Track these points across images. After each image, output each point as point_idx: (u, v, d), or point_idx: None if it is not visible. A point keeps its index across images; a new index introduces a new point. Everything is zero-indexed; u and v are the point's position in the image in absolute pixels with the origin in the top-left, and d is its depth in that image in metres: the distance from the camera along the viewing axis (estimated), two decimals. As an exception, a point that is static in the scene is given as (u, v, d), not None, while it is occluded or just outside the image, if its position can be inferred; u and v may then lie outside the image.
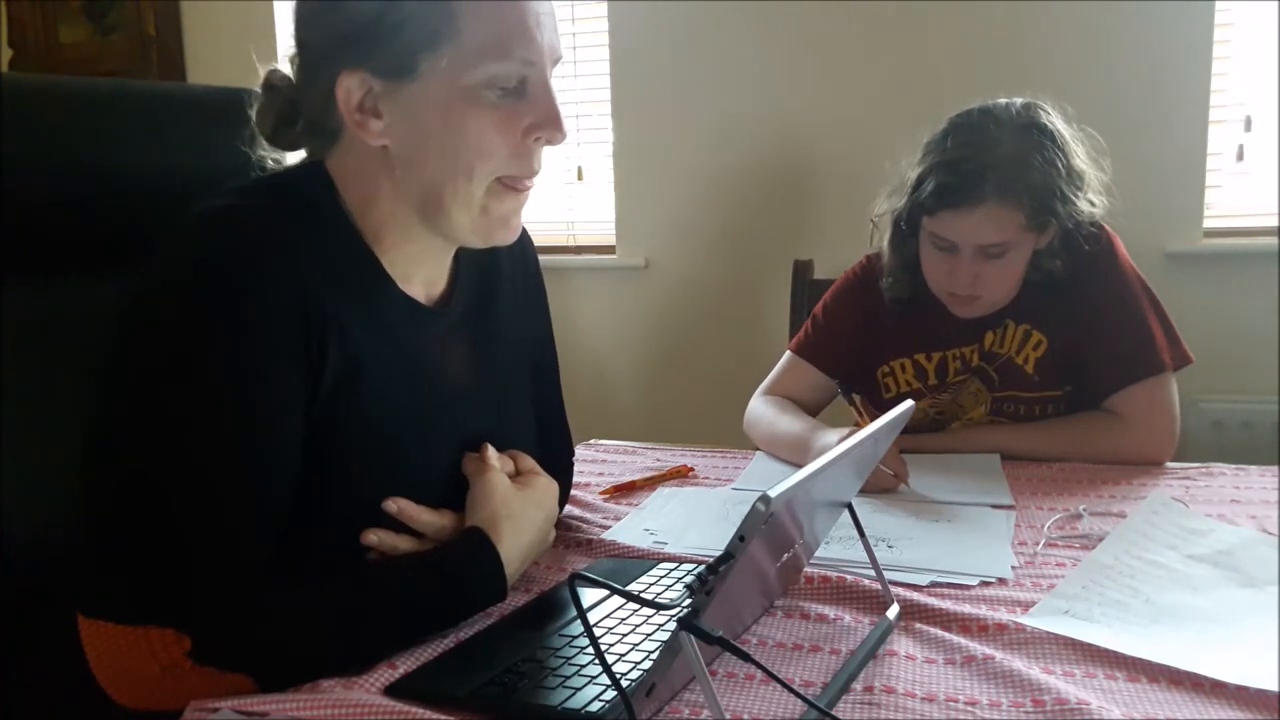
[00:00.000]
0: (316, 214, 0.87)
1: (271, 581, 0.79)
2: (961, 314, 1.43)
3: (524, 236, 1.12)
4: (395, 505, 0.86)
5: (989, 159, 1.30)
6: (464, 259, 1.00)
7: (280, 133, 0.93)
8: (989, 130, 1.33)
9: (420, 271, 0.94)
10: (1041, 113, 1.35)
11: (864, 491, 1.22)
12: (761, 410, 1.51)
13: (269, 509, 0.80)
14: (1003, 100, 1.37)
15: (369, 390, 0.86)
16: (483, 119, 0.84)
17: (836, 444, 1.22)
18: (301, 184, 0.89)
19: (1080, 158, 1.35)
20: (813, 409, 1.53)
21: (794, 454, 1.34)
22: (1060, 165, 1.31)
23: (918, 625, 0.85)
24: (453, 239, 0.92)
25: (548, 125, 0.87)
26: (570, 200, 3.03)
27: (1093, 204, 1.36)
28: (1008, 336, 1.44)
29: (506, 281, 1.06)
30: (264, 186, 0.89)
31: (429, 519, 0.89)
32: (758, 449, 1.50)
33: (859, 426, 1.29)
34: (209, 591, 0.76)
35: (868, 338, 1.50)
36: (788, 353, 1.58)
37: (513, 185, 0.89)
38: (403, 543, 0.87)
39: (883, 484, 1.23)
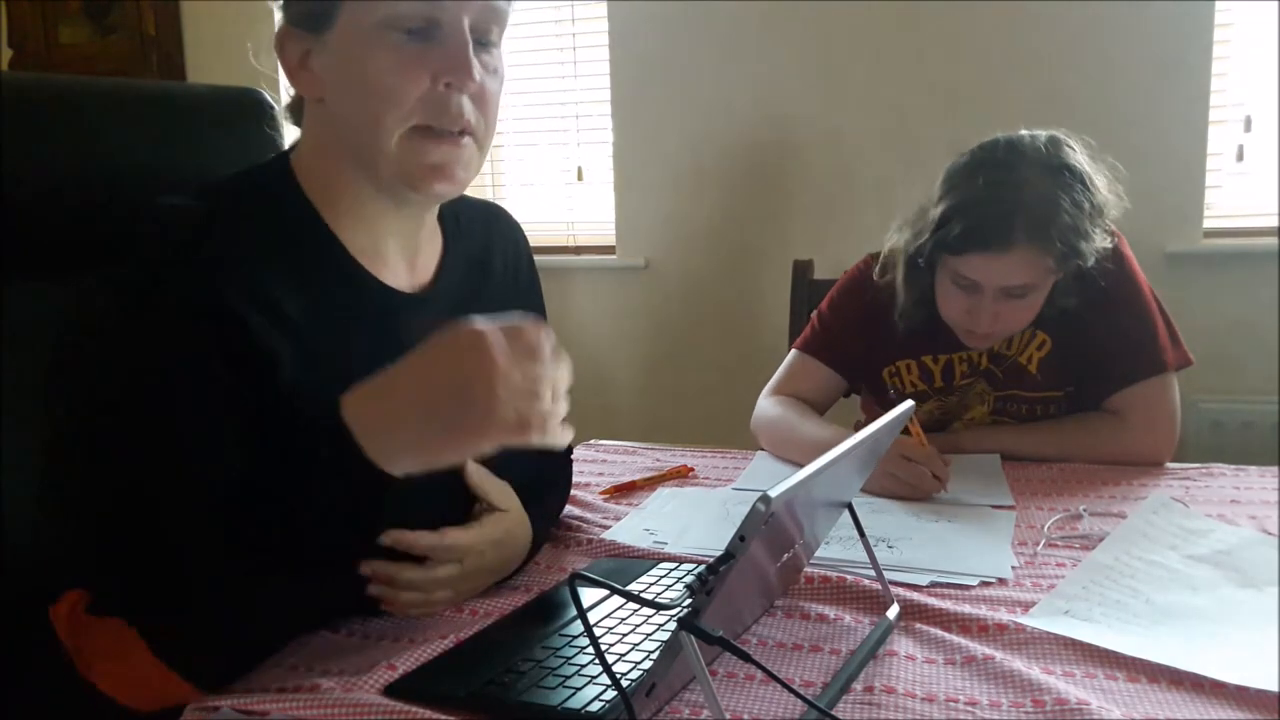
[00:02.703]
0: (277, 209, 0.87)
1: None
2: (975, 346, 1.42)
3: (516, 232, 1.11)
4: (389, 538, 0.83)
5: (1020, 201, 1.26)
6: (453, 250, 1.00)
7: (295, 107, 0.95)
8: (1020, 170, 1.29)
9: (392, 242, 0.92)
10: (1068, 150, 1.32)
11: (904, 497, 1.21)
12: (776, 412, 1.49)
13: (213, 509, 0.77)
14: (1026, 134, 1.33)
15: (342, 387, 0.83)
16: (385, 61, 0.82)
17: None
18: (264, 181, 0.89)
19: (1102, 192, 1.32)
20: (821, 408, 1.52)
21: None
22: (1087, 206, 1.29)
23: (918, 625, 0.84)
24: (391, 193, 0.89)
25: (454, 70, 0.83)
26: (570, 200, 3.04)
27: (1108, 233, 1.35)
28: (1015, 338, 1.43)
29: (497, 276, 1.05)
30: (225, 186, 0.88)
31: (429, 542, 0.86)
32: (759, 449, 1.49)
33: (909, 434, 1.29)
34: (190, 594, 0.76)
35: (874, 335, 1.49)
36: (793, 351, 1.57)
37: (436, 134, 0.85)
38: (405, 571, 0.85)
39: (926, 487, 1.21)
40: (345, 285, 0.88)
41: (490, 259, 1.05)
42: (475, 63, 0.84)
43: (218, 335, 0.78)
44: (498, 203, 1.15)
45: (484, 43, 0.87)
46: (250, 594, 0.78)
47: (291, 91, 0.93)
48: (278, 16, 0.89)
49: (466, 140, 0.87)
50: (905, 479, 1.21)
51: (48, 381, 0.81)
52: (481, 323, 0.73)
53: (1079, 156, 1.32)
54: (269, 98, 1.08)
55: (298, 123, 0.94)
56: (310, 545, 0.78)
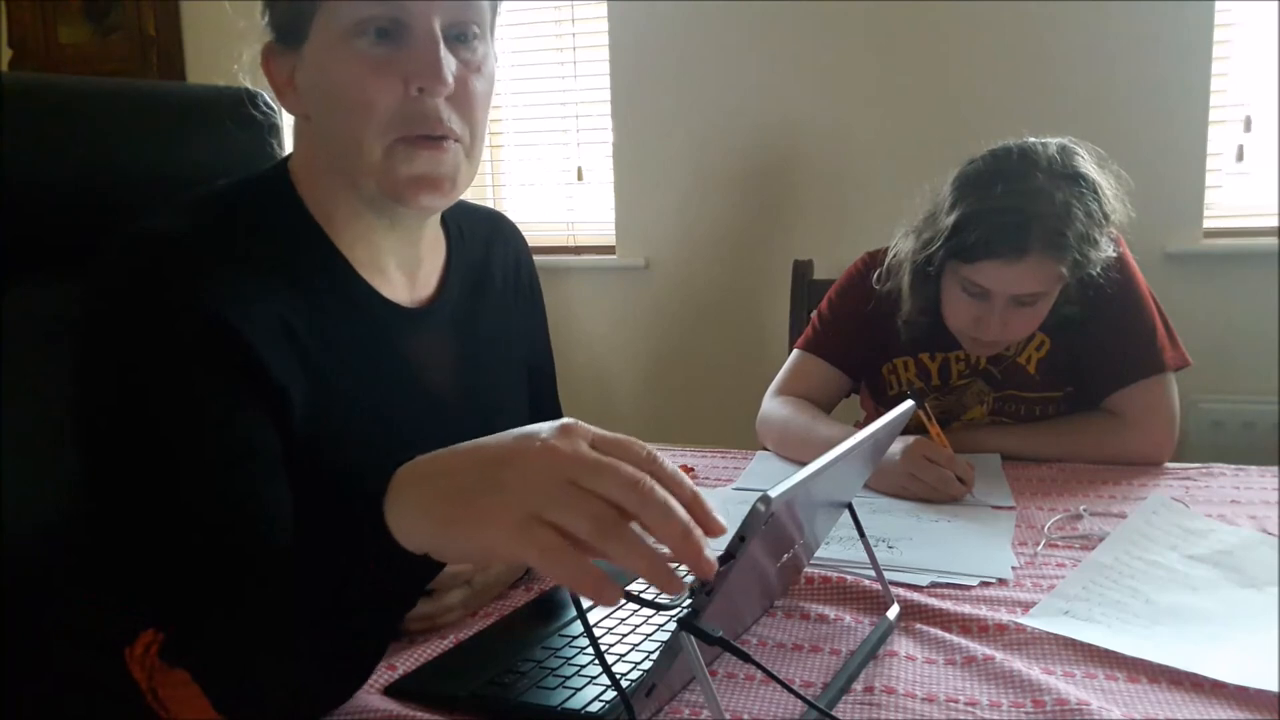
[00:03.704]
0: (274, 222, 0.84)
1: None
2: (979, 354, 1.43)
3: (518, 241, 1.10)
4: None
5: (1036, 210, 1.26)
6: (455, 263, 0.98)
7: None
8: (1034, 179, 1.28)
9: (391, 258, 0.90)
10: (1079, 159, 1.32)
11: (925, 499, 1.20)
12: (786, 412, 1.48)
13: (230, 547, 0.74)
14: (1038, 142, 1.33)
15: (346, 405, 0.83)
16: (354, 70, 0.80)
17: (900, 452, 1.21)
18: (259, 190, 0.87)
19: (1110, 200, 1.32)
20: (827, 406, 1.52)
21: None
22: (1097, 215, 1.30)
23: (918, 625, 0.84)
24: (382, 209, 0.87)
25: (423, 74, 0.79)
26: (570, 200, 3.04)
27: (1111, 239, 1.35)
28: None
29: (497, 287, 1.04)
30: (219, 199, 0.85)
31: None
32: (759, 449, 1.49)
33: (930, 435, 1.29)
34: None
35: (873, 333, 1.50)
36: (796, 350, 1.57)
37: (417, 142, 0.82)
38: (421, 605, 0.84)
39: (951, 491, 1.20)
40: (350, 303, 0.86)
41: (490, 270, 1.03)
42: (448, 64, 0.80)
43: (228, 359, 0.75)
44: (498, 206, 1.14)
45: (463, 40, 0.83)
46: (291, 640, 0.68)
47: None
48: (260, 32, 0.86)
49: (451, 145, 0.83)
50: (929, 481, 1.20)
51: (75, 401, 0.78)
52: (582, 425, 0.59)
53: (1089, 165, 1.32)
54: (270, 98, 1.08)
55: None
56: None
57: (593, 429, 0.59)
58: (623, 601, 0.56)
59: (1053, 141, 1.33)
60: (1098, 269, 1.32)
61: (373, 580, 0.63)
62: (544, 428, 0.59)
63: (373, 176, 0.82)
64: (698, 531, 0.56)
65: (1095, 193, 1.30)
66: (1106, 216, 1.32)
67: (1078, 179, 1.30)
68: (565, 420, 0.59)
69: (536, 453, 0.57)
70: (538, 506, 0.55)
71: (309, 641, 0.66)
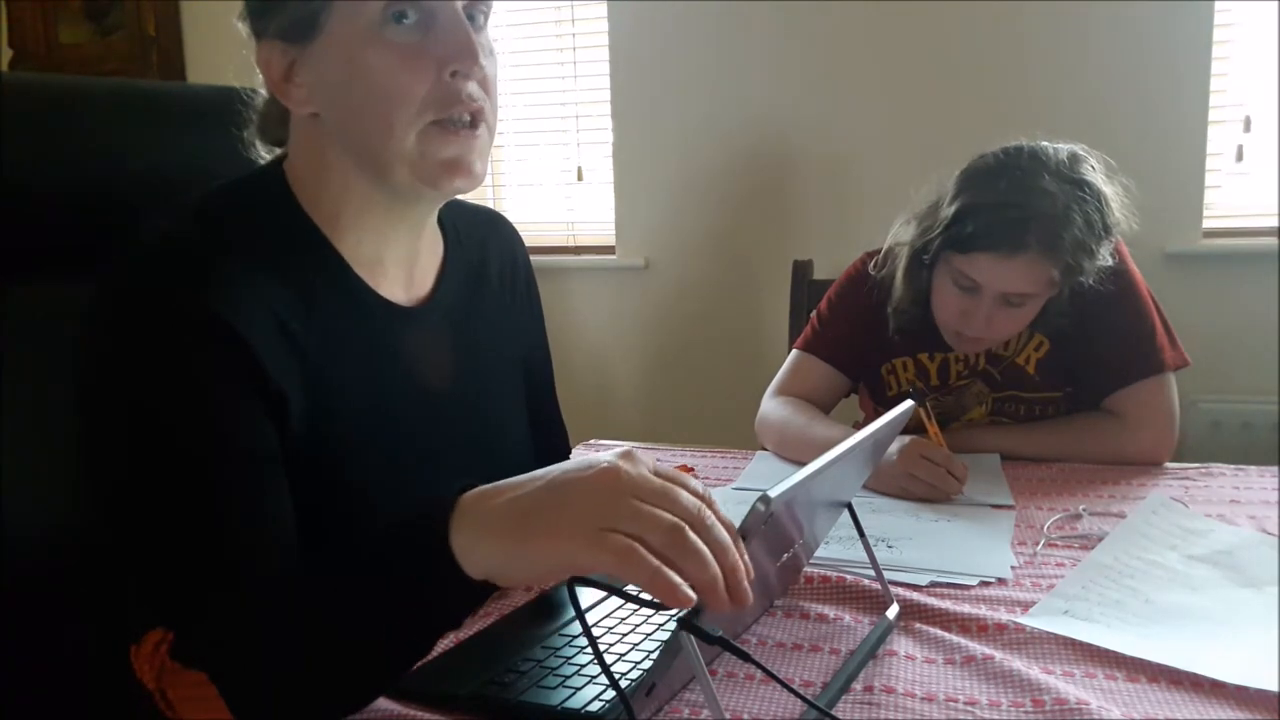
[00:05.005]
0: (272, 224, 0.85)
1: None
2: (962, 350, 1.43)
3: (514, 240, 1.10)
4: None
5: (1038, 209, 1.26)
6: (451, 262, 0.98)
7: (265, 128, 0.92)
8: (1041, 179, 1.28)
9: (390, 255, 0.90)
10: (1087, 167, 1.32)
11: (923, 498, 1.21)
12: (784, 412, 1.48)
13: (237, 550, 0.75)
14: (1049, 146, 1.33)
15: (343, 403, 0.83)
16: (389, 59, 0.80)
17: (898, 452, 1.21)
18: (256, 191, 0.87)
19: (1113, 212, 1.32)
20: (826, 406, 1.52)
21: None
22: (1096, 225, 1.30)
23: (917, 625, 0.85)
24: (403, 197, 0.87)
25: (460, 56, 0.81)
26: (570, 200, 3.04)
27: (1110, 247, 1.35)
28: (1013, 339, 1.43)
29: (493, 286, 1.04)
30: (219, 203, 0.86)
31: None
32: (759, 449, 1.49)
33: (928, 434, 1.29)
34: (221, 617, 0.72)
35: (872, 332, 1.50)
36: (795, 351, 1.57)
37: (451, 127, 0.83)
38: None
39: (947, 488, 1.21)
40: (347, 302, 0.86)
41: (487, 269, 1.03)
42: (478, 45, 0.82)
43: (228, 361, 0.75)
44: (498, 206, 1.14)
45: (473, 23, 0.85)
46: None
47: (255, 117, 0.92)
48: (244, 30, 0.87)
49: (480, 130, 0.85)
50: (926, 479, 1.21)
51: (80, 403, 0.78)
52: (641, 453, 0.62)
53: (1096, 175, 1.32)
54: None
55: (274, 142, 0.92)
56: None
57: (652, 460, 0.63)
58: (622, 601, 0.56)
59: (1064, 147, 1.33)
60: (1091, 279, 1.32)
61: (430, 604, 0.65)
62: (605, 454, 0.62)
63: (405, 163, 0.83)
64: (743, 568, 0.60)
65: (1098, 202, 1.30)
66: (1108, 228, 1.31)
67: (1082, 185, 1.30)
68: (627, 447, 0.63)
69: (600, 473, 0.60)
70: (607, 520, 0.58)
71: (343, 655, 0.67)
